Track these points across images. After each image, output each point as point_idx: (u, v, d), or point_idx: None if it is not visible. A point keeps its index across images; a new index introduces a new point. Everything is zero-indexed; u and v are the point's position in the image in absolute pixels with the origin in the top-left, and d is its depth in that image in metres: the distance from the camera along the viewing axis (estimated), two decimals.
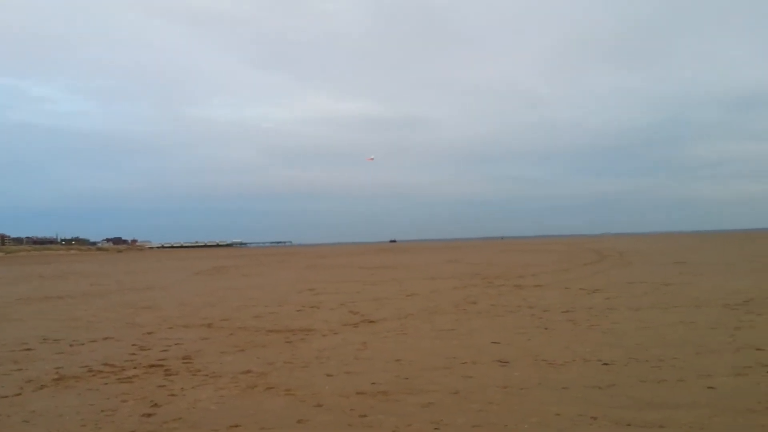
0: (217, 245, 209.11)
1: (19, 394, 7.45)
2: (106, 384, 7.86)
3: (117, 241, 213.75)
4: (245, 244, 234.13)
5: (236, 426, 6.01)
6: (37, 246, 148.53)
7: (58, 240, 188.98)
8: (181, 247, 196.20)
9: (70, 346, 10.78)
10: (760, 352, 8.60)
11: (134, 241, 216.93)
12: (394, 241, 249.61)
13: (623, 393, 6.75)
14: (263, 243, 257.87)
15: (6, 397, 7.33)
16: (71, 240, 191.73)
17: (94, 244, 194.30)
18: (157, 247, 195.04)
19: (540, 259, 41.20)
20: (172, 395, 7.23)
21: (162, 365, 8.94)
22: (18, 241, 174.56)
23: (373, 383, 7.52)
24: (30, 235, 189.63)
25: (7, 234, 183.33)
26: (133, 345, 10.69)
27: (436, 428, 5.70)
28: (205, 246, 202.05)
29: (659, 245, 64.04)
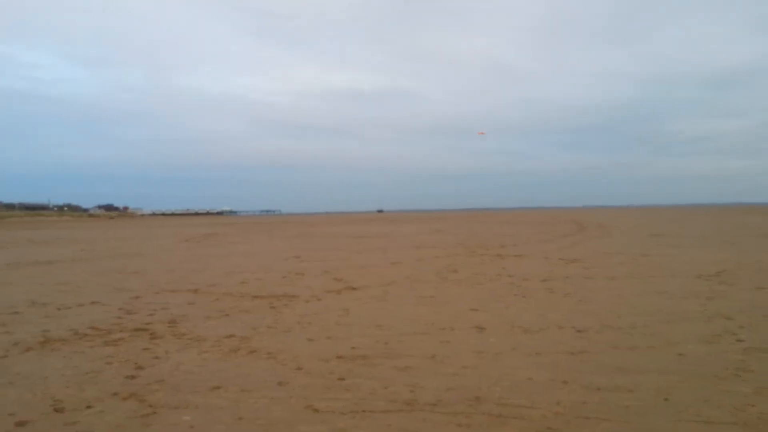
0: (208, 213, 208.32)
1: (5, 356, 7.52)
2: (92, 347, 7.95)
3: (109, 207, 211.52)
4: (235, 212, 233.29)
5: (218, 387, 6.14)
6: (29, 211, 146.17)
7: (50, 206, 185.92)
8: (172, 214, 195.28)
9: (58, 309, 10.84)
10: (729, 321, 8.83)
11: (126, 208, 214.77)
12: (381, 211, 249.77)
13: (595, 359, 6.95)
14: (253, 211, 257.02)
15: None
16: (63, 206, 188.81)
17: (86, 210, 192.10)
18: (149, 215, 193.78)
19: (521, 230, 41.50)
20: (156, 358, 7.34)
21: (147, 329, 9.04)
22: (10, 206, 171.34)
23: (353, 348, 7.67)
24: (22, 201, 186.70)
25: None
26: (120, 309, 10.78)
27: (411, 391, 5.87)
28: (196, 214, 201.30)
29: (638, 218, 64.61)
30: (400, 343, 7.92)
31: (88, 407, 5.60)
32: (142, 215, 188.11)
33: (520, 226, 49.33)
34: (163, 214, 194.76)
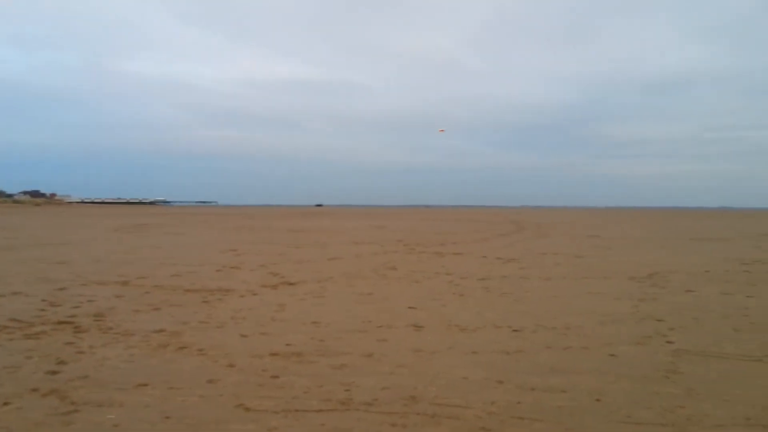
0: (140, 202, 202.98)
1: None
2: (11, 340, 7.59)
3: (35, 194, 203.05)
4: (169, 202, 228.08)
5: (144, 385, 5.92)
6: None
7: None
8: (103, 203, 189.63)
9: None
10: (659, 322, 9.02)
11: (53, 194, 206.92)
12: (320, 206, 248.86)
13: (530, 359, 6.99)
14: (188, 202, 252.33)
15: None
16: None
17: (10, 196, 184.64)
18: (78, 202, 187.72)
19: (461, 228, 41.91)
20: (80, 353, 7.05)
21: (72, 322, 8.70)
22: None
23: (287, 345, 7.53)
24: None
25: None
26: (44, 301, 10.35)
27: (346, 390, 5.77)
28: (128, 203, 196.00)
29: (576, 219, 66.12)
30: (336, 340, 7.82)
31: (6, 404, 5.32)
32: (71, 203, 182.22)
33: (460, 224, 49.82)
34: (93, 203, 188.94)
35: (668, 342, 7.81)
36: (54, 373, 6.25)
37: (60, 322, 8.65)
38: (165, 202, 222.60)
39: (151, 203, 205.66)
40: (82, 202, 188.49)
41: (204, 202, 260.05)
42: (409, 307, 10.20)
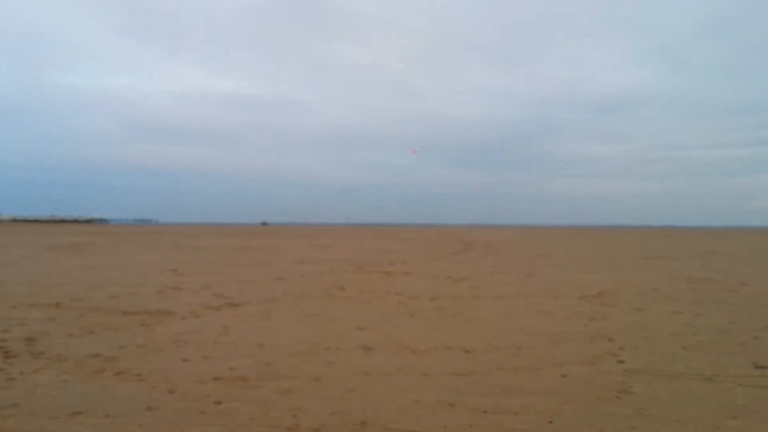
0: (76, 221, 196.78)
1: None
2: None
3: None
4: (106, 220, 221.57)
5: (78, 413, 5.59)
6: None
7: None
8: (36, 221, 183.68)
9: None
10: (610, 342, 9.02)
11: None
12: (265, 224, 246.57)
13: (482, 380, 6.86)
14: (126, 220, 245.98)
15: None
16: None
17: None
18: (9, 221, 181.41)
19: (410, 247, 41.90)
20: (10, 379, 6.68)
21: (1, 347, 8.25)
22: None
23: (231, 369, 7.24)
24: None
25: None
26: None
27: (294, 415, 5.52)
28: (63, 221, 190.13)
29: (524, 238, 66.90)
30: (282, 363, 7.55)
31: None
32: (1, 221, 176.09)
33: (409, 242, 49.85)
34: (26, 221, 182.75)
35: (619, 361, 7.78)
36: None
37: None
38: (102, 220, 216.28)
39: (88, 221, 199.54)
40: (14, 221, 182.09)
41: (143, 220, 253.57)
42: (358, 328, 9.98)
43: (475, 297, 14.09)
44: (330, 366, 7.46)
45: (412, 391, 6.40)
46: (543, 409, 5.80)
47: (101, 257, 27.67)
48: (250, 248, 37.27)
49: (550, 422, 5.43)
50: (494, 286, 16.58)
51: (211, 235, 65.64)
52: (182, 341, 8.85)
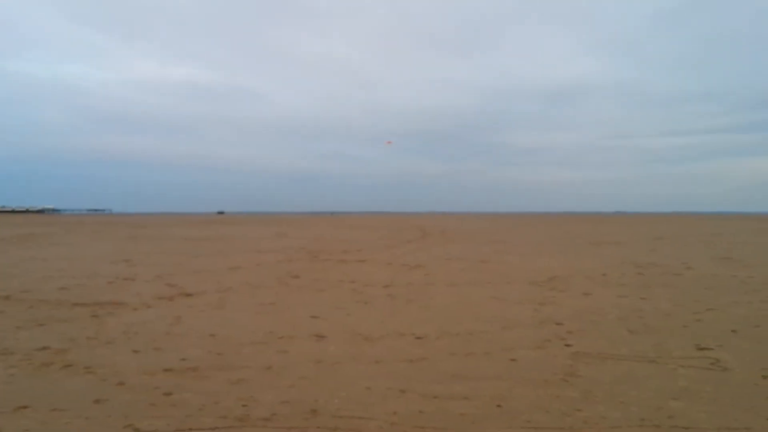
0: (27, 211, 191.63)
1: None
2: None
3: None
4: (58, 210, 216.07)
5: (25, 407, 5.51)
6: None
7: None
8: None
9: None
10: (559, 326, 9.21)
11: None
12: (222, 213, 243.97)
13: (433, 366, 6.95)
14: (79, 210, 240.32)
15: None
16: None
17: None
18: None
19: (366, 235, 41.93)
20: None
21: None
22: None
23: (183, 359, 7.20)
24: None
25: None
26: None
27: (244, 405, 5.53)
28: (13, 211, 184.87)
29: (479, 225, 67.48)
30: (235, 353, 7.54)
31: None
32: None
33: (365, 231, 49.85)
34: None
35: (567, 345, 7.96)
36: None
37: None
38: (54, 210, 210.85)
39: (39, 212, 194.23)
40: None
41: (97, 210, 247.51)
42: (312, 317, 10.00)
43: (428, 284, 14.21)
44: (282, 355, 7.47)
45: (364, 378, 6.45)
46: (492, 394, 5.91)
47: (52, 248, 27.05)
48: (205, 238, 36.87)
49: (499, 406, 5.54)
50: (448, 273, 16.73)
51: (166, 225, 64.67)
52: (133, 332, 8.75)
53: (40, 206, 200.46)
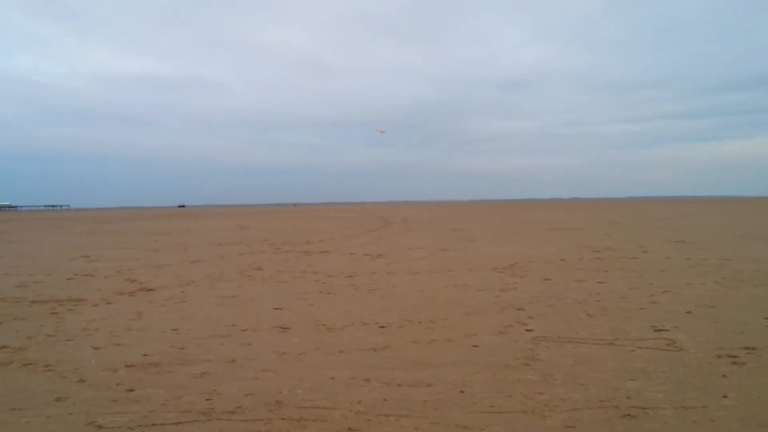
0: None
1: None
2: None
3: None
4: (15, 207, 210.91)
5: None
6: None
7: None
8: None
9: None
10: (519, 311, 9.35)
11: None
12: (183, 206, 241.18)
13: (396, 354, 7.00)
14: (36, 206, 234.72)
15: None
16: None
17: None
18: None
19: (329, 225, 41.90)
20: None
21: None
22: None
23: (144, 355, 7.14)
24: None
25: None
26: None
27: (208, 399, 5.51)
28: None
29: (440, 213, 67.87)
30: (197, 347, 7.50)
31: None
32: None
33: (328, 221, 49.78)
34: None
35: (528, 330, 8.09)
36: None
37: None
38: (10, 207, 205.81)
39: None
40: None
41: (55, 206, 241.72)
42: (275, 309, 10.00)
43: (391, 273, 14.29)
44: (246, 347, 7.46)
45: (328, 368, 6.48)
46: (455, 380, 5.99)
47: (8, 246, 26.50)
48: (166, 232, 36.44)
49: (462, 391, 5.62)
50: (410, 261, 16.84)
51: (126, 220, 63.72)
52: (93, 329, 8.64)
53: None
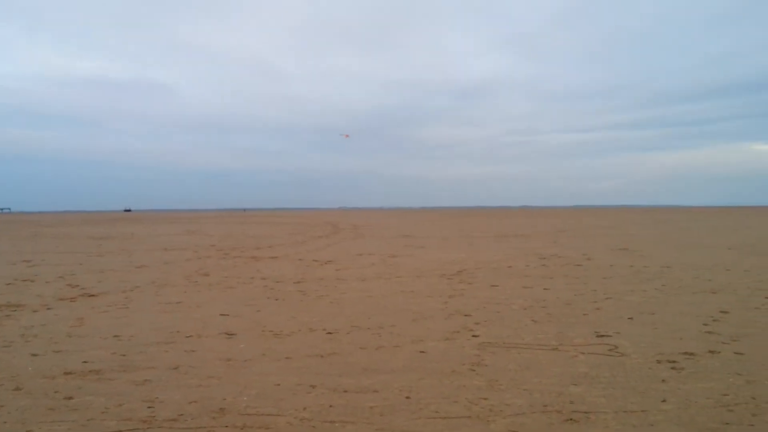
0: None
1: None
2: None
3: None
4: None
5: None
6: None
7: None
8: None
9: None
10: (466, 317, 9.43)
11: None
12: (129, 210, 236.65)
13: (344, 360, 6.98)
14: None
15: None
16: None
17: None
18: None
19: (278, 231, 41.60)
20: None
21: None
22: None
23: (85, 362, 6.96)
24: None
25: None
26: None
27: (149, 406, 5.40)
28: None
29: (390, 220, 68.08)
30: (140, 354, 7.34)
31: None
32: None
33: (277, 227, 49.40)
34: None
35: (474, 336, 8.15)
36: None
37: None
38: None
39: None
40: None
41: None
42: (222, 315, 9.87)
43: (339, 279, 14.26)
44: (190, 354, 7.34)
45: (274, 375, 6.42)
46: (401, 386, 5.99)
47: None
48: (111, 236, 35.64)
49: (408, 397, 5.63)
50: (359, 267, 16.84)
51: (70, 224, 62.11)
52: (32, 335, 8.39)
53: None
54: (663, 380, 6.07)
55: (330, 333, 8.46)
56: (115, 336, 8.33)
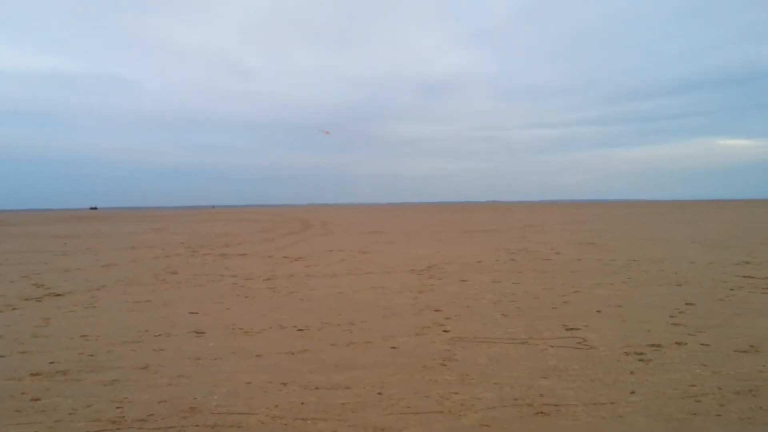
0: None
1: None
2: None
3: None
4: None
5: None
6: None
7: None
8: None
9: None
10: (437, 312, 9.47)
11: None
12: (95, 209, 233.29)
13: (315, 357, 6.97)
14: None
15: None
16: None
17: None
18: None
19: (247, 228, 41.36)
20: None
21: None
22: None
23: (51, 362, 6.84)
24: None
25: None
26: None
27: (118, 407, 5.33)
28: None
29: (360, 216, 68.06)
30: (108, 354, 7.24)
31: None
32: None
33: (247, 223, 49.14)
34: None
35: (445, 331, 8.20)
36: None
37: None
38: None
39: None
40: None
41: None
42: (191, 313, 9.78)
43: (309, 276, 14.23)
44: (159, 353, 7.26)
45: (245, 373, 6.38)
46: (373, 382, 6.00)
47: None
48: (76, 235, 35.10)
49: (379, 393, 5.64)
50: (329, 264, 16.82)
51: (34, 222, 61.04)
52: None
53: None
54: (631, 372, 6.16)
55: (301, 330, 8.44)
56: (83, 336, 8.21)
